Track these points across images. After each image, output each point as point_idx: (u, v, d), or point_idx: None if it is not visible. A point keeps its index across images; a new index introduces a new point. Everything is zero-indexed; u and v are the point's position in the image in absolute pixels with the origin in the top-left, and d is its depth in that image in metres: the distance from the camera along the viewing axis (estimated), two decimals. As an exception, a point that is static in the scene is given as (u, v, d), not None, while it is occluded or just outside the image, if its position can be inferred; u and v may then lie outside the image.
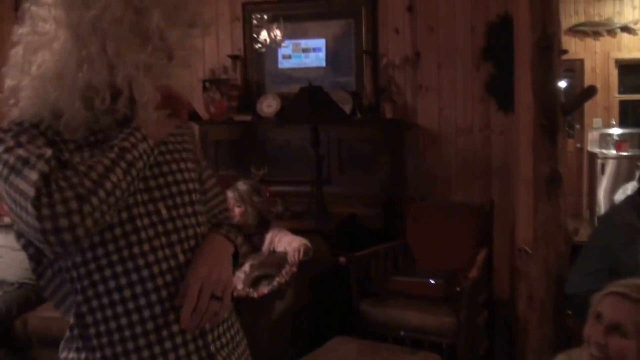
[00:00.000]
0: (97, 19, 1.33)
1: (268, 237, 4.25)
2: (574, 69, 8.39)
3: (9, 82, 1.43)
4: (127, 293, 1.40)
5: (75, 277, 1.41)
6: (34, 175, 1.28)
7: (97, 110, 1.39)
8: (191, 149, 1.64)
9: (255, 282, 3.92)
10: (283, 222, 4.68)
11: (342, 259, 4.28)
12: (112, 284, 1.40)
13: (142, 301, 1.41)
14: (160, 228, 1.45)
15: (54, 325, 3.89)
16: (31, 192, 1.26)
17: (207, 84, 5.86)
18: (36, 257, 1.46)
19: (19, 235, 1.45)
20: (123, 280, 1.40)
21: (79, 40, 1.34)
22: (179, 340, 1.45)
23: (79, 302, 1.42)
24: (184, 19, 1.43)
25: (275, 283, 3.85)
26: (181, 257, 1.48)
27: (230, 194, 4.17)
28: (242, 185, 4.23)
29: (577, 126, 8.77)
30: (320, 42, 5.76)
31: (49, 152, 1.33)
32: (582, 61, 8.40)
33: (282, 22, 5.59)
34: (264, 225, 4.28)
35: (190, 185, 1.56)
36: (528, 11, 3.83)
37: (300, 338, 4.20)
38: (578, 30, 8.06)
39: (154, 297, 1.43)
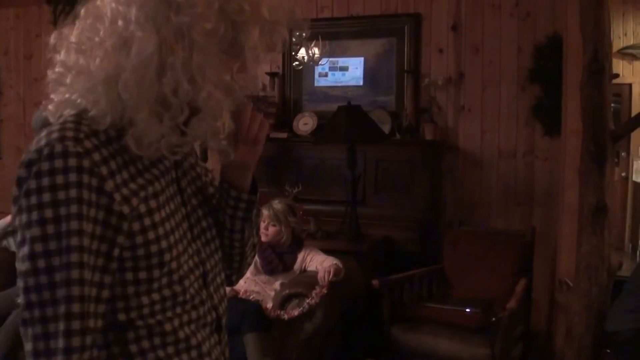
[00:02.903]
0: (188, 26, 1.15)
1: (300, 256, 4.24)
2: (621, 94, 8.18)
3: (61, 87, 1.22)
4: (169, 332, 1.27)
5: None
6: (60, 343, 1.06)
7: (164, 126, 1.18)
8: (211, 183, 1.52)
9: (285, 301, 3.94)
10: (315, 241, 4.64)
11: (375, 282, 4.21)
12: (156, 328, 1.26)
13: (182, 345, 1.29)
14: (201, 269, 1.34)
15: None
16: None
17: (244, 101, 5.79)
18: None
19: None
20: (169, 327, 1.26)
21: (161, 48, 1.14)
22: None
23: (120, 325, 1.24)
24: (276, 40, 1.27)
25: (305, 305, 3.87)
26: (215, 297, 1.38)
27: (265, 212, 4.17)
28: (277, 204, 4.21)
29: (623, 154, 8.54)
30: (358, 61, 5.68)
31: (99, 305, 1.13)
32: (630, 86, 8.18)
33: (321, 40, 5.52)
34: (297, 244, 4.27)
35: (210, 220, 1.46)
36: (579, 32, 3.70)
37: (328, 360, 4.15)
38: (626, 53, 7.84)
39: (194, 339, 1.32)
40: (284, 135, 5.62)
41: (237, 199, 1.42)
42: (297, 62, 5.68)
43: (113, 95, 1.15)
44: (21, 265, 1.08)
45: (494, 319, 3.97)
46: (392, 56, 5.59)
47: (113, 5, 1.17)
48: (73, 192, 1.07)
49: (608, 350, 3.69)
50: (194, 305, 1.29)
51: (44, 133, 1.13)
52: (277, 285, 4.07)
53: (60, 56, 1.22)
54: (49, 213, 1.06)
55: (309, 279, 4.02)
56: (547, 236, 4.86)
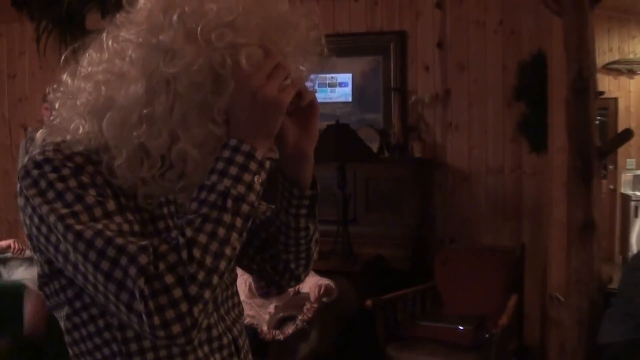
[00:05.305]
0: (175, 77, 1.12)
1: (293, 278, 4.17)
2: (608, 108, 8.24)
3: (61, 109, 1.24)
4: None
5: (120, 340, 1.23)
6: (132, 271, 1.05)
7: (143, 174, 1.18)
8: None
9: (280, 324, 3.95)
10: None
11: (368, 303, 4.20)
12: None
13: None
14: None
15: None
16: (130, 296, 1.05)
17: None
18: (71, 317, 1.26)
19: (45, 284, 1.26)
20: (176, 350, 1.24)
21: (148, 93, 1.13)
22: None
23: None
24: None
25: (298, 322, 3.88)
26: (227, 319, 1.35)
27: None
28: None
29: (610, 167, 8.59)
30: (347, 77, 5.69)
31: (143, 243, 1.09)
32: (615, 100, 8.24)
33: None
34: (290, 266, 4.21)
35: None
36: (563, 50, 3.73)
37: (324, 382, 4.14)
38: (612, 68, 7.91)
39: None
40: (275, 155, 5.59)
41: (301, 197, 1.36)
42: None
43: (94, 129, 1.17)
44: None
45: (486, 335, 3.99)
46: (378, 74, 5.61)
47: (110, 42, 1.19)
48: (74, 177, 1.13)
49: (601, 364, 3.71)
50: (207, 327, 1.27)
51: (26, 158, 1.17)
52: (271, 308, 4.07)
53: (64, 78, 1.24)
54: (60, 189, 1.11)
55: (302, 301, 4.03)
56: (536, 251, 4.88)
